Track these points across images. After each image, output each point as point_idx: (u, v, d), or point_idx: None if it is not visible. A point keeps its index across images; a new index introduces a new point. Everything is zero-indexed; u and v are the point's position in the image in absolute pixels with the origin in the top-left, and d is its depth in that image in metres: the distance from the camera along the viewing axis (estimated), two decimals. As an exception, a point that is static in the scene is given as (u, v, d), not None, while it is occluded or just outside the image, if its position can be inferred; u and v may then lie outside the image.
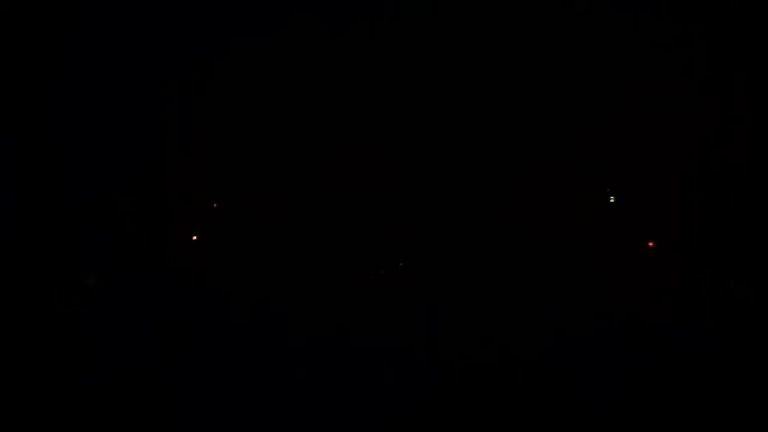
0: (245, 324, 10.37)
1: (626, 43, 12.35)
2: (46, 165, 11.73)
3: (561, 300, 10.95)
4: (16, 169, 11.52)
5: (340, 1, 12.60)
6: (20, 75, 11.71)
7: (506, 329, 10.01)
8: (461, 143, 12.95)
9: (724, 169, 12.16)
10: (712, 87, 12.21)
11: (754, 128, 12.09)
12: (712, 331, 9.74)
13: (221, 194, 13.49)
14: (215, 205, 13.16)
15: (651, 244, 12.08)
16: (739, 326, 9.73)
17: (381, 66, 12.81)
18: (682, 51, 12.16)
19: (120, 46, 12.29)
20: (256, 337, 9.90)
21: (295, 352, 9.42)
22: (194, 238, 12.82)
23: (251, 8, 12.67)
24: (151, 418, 7.88)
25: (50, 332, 9.67)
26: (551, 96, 12.65)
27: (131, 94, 12.38)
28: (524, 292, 11.14)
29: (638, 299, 10.80)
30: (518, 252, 12.25)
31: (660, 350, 9.29)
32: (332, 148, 13.25)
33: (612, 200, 12.98)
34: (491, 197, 12.85)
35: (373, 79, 12.89)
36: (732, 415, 7.70)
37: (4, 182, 11.49)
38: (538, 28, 12.52)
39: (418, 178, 13.08)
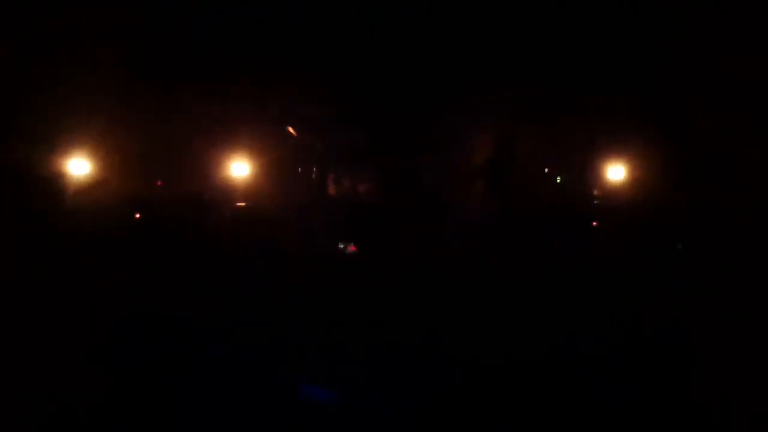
0: (245, 324, 10.37)
1: (626, 43, 12.40)
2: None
3: (560, 300, 10.97)
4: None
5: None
6: None
7: (505, 329, 10.01)
8: (462, 143, 12.99)
9: (723, 168, 12.20)
10: (711, 87, 12.26)
11: (752, 128, 12.14)
12: (712, 330, 9.76)
13: (219, 195, 13.50)
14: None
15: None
16: (738, 326, 9.75)
17: (380, 65, 12.85)
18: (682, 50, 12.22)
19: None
20: (255, 336, 9.91)
21: (294, 351, 9.42)
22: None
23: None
24: (150, 418, 7.89)
25: (50, 332, 9.67)
26: (551, 96, 12.69)
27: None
28: (524, 293, 11.16)
29: (638, 299, 10.82)
30: (519, 251, 12.27)
31: (660, 350, 9.31)
32: (329, 146, 13.27)
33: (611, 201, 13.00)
34: (493, 197, 12.88)
35: (371, 78, 12.94)
36: (732, 415, 7.72)
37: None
38: (537, 27, 12.57)
39: (418, 176, 13.10)
